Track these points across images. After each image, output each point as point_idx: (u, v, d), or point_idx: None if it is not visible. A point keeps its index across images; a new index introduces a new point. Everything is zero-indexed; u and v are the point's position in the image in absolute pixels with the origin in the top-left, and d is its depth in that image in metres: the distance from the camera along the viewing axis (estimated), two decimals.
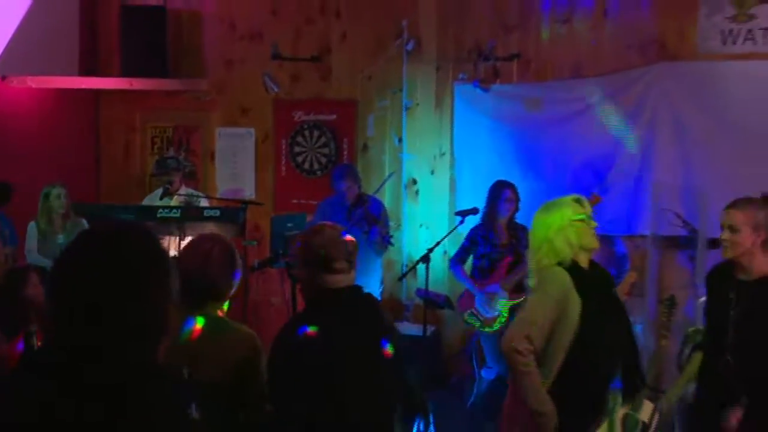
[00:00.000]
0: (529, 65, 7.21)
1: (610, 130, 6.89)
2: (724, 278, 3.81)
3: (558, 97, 7.07)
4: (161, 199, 6.80)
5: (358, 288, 3.07)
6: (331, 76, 7.82)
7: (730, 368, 3.64)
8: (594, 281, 3.67)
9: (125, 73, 7.93)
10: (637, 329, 5.27)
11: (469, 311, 6.31)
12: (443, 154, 7.53)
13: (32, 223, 6.62)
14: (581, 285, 3.56)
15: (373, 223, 6.17)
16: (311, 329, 2.85)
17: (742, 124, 6.52)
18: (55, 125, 7.94)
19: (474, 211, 6.34)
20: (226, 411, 2.98)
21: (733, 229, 3.67)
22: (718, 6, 6.72)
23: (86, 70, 8.19)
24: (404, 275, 6.84)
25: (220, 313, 3.18)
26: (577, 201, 3.74)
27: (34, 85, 7.59)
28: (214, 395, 2.74)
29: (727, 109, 6.56)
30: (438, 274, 7.12)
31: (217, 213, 6.03)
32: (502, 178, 6.50)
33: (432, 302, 6.44)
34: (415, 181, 7.60)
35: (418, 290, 6.90)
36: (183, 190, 7.14)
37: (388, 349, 2.90)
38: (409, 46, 7.38)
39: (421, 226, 7.57)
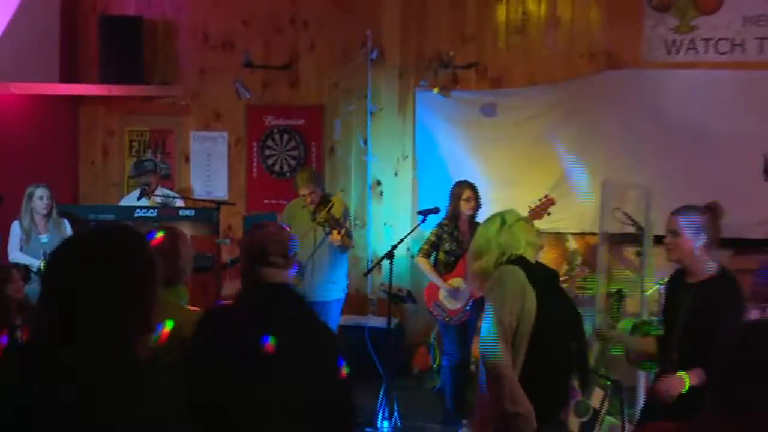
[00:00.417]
0: (486, 73, 7.50)
1: (560, 134, 7.17)
2: (676, 282, 4.02)
3: (513, 103, 7.34)
4: (139, 199, 6.94)
5: (290, 287, 3.04)
6: (300, 83, 8.00)
7: (674, 364, 3.80)
8: (542, 275, 3.86)
9: (104, 79, 8.02)
10: (587, 321, 5.33)
11: (434, 303, 6.36)
12: (406, 156, 7.78)
13: (15, 222, 6.47)
14: (532, 277, 3.71)
15: (335, 224, 6.17)
16: (227, 320, 2.82)
17: (684, 128, 6.82)
18: (36, 129, 7.97)
19: (435, 210, 6.39)
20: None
21: (675, 234, 3.81)
22: (662, 18, 7.07)
23: (66, 77, 8.26)
24: (369, 271, 6.94)
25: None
26: (514, 211, 3.96)
27: (17, 91, 7.62)
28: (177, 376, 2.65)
29: (671, 114, 6.87)
30: (401, 270, 7.31)
31: (192, 213, 6.23)
32: (461, 179, 6.54)
33: (395, 296, 6.50)
34: (379, 182, 7.85)
35: (382, 285, 6.94)
36: (159, 191, 7.31)
37: (314, 349, 2.79)
38: (374, 55, 7.63)
39: (385, 224, 7.81)
